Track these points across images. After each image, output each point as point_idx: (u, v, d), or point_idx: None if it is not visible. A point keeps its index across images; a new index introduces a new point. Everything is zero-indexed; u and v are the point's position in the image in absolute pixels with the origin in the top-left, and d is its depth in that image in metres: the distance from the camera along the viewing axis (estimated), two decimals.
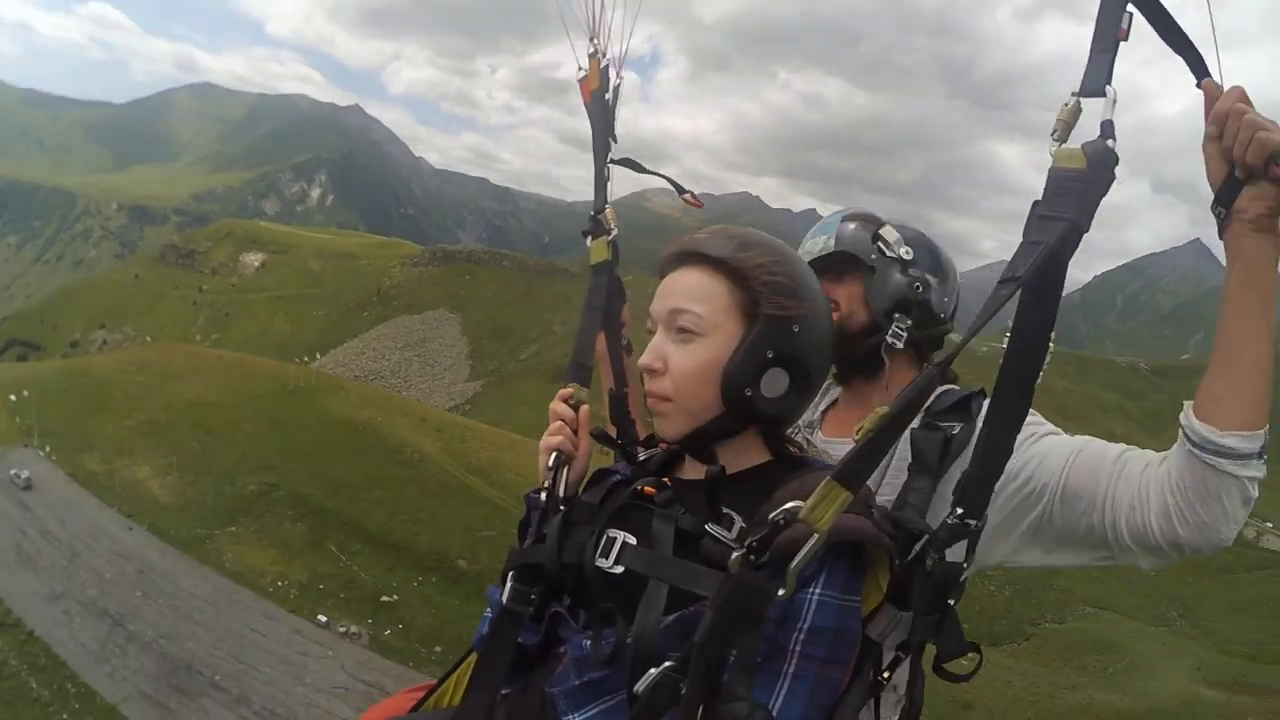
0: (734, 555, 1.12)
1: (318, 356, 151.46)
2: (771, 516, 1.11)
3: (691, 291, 1.41)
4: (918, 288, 1.89)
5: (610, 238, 1.91)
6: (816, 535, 1.09)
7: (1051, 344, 1.25)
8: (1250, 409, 1.37)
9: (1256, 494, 1.40)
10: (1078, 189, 1.19)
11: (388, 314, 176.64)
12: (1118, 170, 1.22)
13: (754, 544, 1.12)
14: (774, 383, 1.37)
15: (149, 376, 63.80)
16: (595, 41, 1.97)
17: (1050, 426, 1.67)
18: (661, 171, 2.02)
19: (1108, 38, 1.25)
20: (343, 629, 35.64)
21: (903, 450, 1.70)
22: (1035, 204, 1.22)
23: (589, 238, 1.92)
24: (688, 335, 1.40)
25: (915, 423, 1.67)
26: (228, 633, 33.81)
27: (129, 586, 36.53)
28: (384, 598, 38.10)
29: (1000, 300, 1.14)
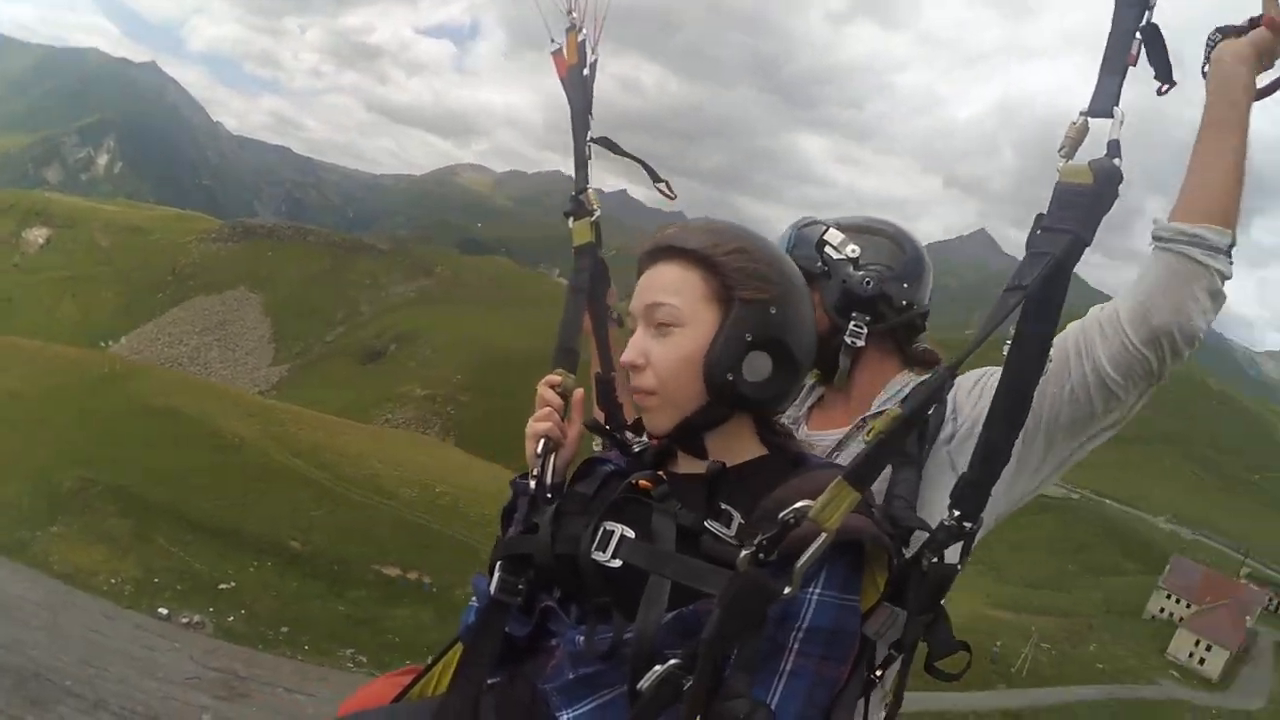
0: (743, 554, 1.11)
1: (109, 344, 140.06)
2: (781, 516, 1.10)
3: (667, 285, 1.43)
4: (867, 283, 1.88)
5: (593, 219, 1.89)
6: (824, 535, 1.09)
7: (1050, 357, 1.32)
8: (1221, 207, 1.45)
9: (1223, 291, 1.46)
10: (1083, 204, 1.23)
11: (184, 295, 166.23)
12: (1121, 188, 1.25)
13: (764, 542, 1.10)
14: (756, 366, 1.38)
15: None
16: (574, 15, 1.93)
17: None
18: (638, 157, 1.98)
19: (1117, 62, 1.32)
20: (185, 620, 35.37)
21: None
22: (1039, 216, 1.26)
23: (571, 219, 1.90)
24: (666, 328, 1.41)
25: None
26: (70, 636, 31.77)
27: None
28: (221, 585, 38.35)
29: (1007, 308, 1.18)
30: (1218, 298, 1.46)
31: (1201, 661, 67.82)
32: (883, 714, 1.51)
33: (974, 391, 1.71)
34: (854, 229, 1.94)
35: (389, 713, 1.59)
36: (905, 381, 1.90)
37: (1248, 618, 75.73)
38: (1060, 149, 1.28)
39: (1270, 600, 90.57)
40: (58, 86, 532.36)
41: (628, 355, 1.45)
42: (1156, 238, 1.48)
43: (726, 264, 1.40)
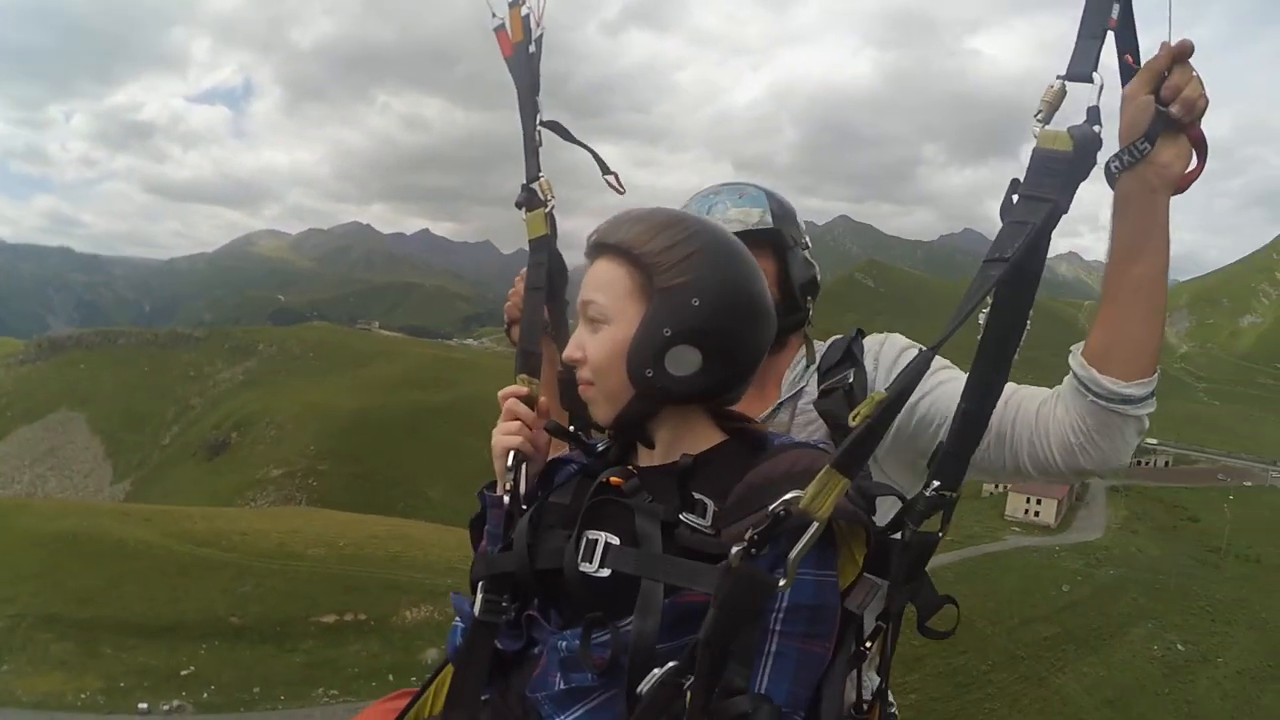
0: (734, 550, 1.10)
1: None
2: (771, 508, 1.09)
3: (596, 281, 1.43)
4: (815, 270, 1.93)
5: (548, 210, 1.82)
6: (816, 524, 1.08)
7: (1028, 324, 1.26)
8: (1149, 359, 1.48)
9: (1148, 424, 1.51)
10: (1063, 170, 1.18)
11: (4, 428, 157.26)
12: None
13: (755, 537, 1.09)
14: (681, 360, 1.35)
15: None
16: None
17: (945, 362, 1.72)
18: (588, 146, 1.89)
19: (1096, 25, 1.26)
20: (166, 707, 38.54)
21: (814, 419, 1.80)
22: (1015, 182, 1.21)
23: (524, 210, 1.83)
24: (596, 324, 1.42)
25: (813, 392, 1.82)
26: None
27: None
28: (183, 672, 41.06)
29: (990, 280, 1.13)
30: (1144, 432, 1.53)
31: (1036, 514, 76.19)
32: (876, 681, 1.53)
33: (895, 370, 1.77)
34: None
35: None
36: (810, 352, 1.96)
37: None
38: (1037, 114, 1.22)
39: None
40: None
41: (567, 350, 1.45)
42: (1086, 388, 1.50)
43: (647, 254, 1.37)
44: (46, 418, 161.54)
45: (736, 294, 1.38)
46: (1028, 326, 1.26)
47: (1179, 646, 53.52)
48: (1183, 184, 1.45)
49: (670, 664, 1.15)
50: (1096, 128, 1.22)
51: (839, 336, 1.91)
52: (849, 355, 1.81)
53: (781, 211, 1.96)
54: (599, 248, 1.46)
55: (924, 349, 1.16)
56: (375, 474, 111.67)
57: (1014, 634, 51.72)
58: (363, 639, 44.14)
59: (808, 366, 1.93)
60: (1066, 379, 1.56)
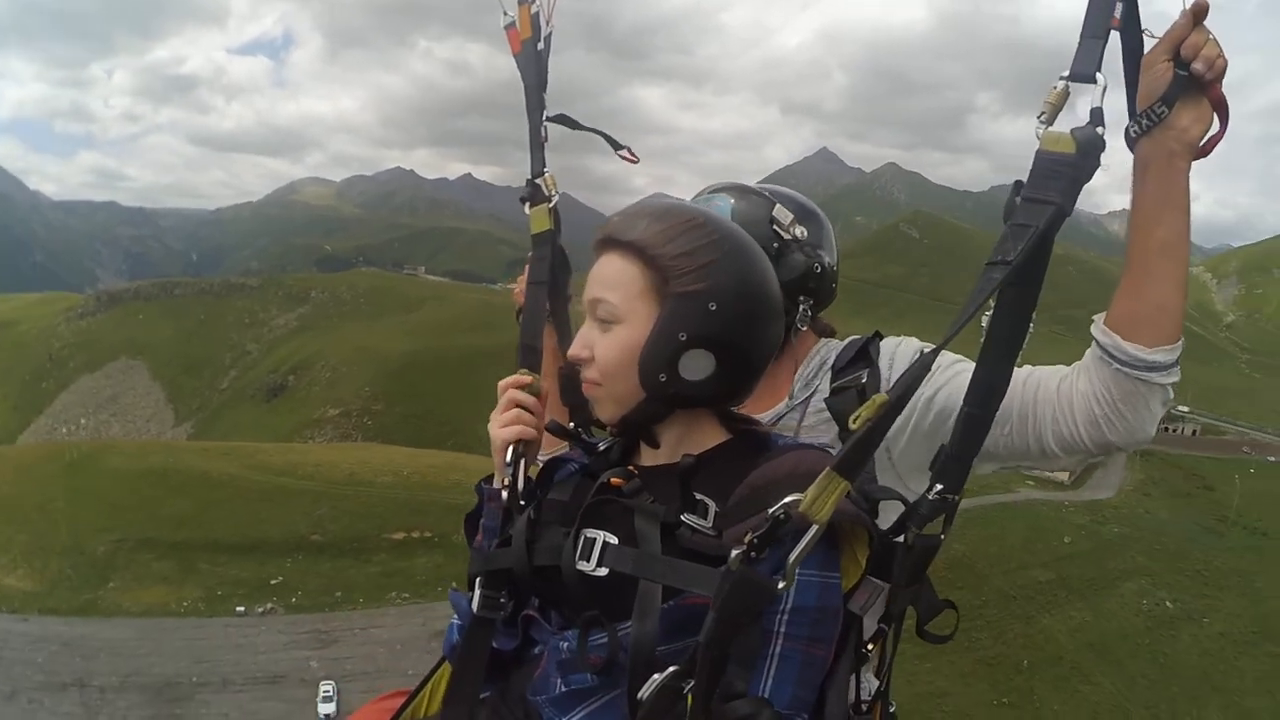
0: (734, 553, 1.08)
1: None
2: (771, 511, 1.07)
3: (607, 279, 1.39)
4: (817, 268, 1.86)
5: (551, 204, 1.80)
6: (816, 527, 1.07)
7: (1031, 326, 1.24)
8: (1173, 324, 1.45)
9: (1174, 394, 1.48)
10: (1067, 173, 1.16)
11: (68, 378, 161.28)
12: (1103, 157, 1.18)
13: (755, 540, 1.07)
14: (695, 365, 1.33)
15: None
16: None
17: (956, 356, 1.68)
18: (597, 129, 1.90)
19: (1099, 24, 1.25)
20: (260, 610, 42.97)
21: (824, 417, 1.75)
22: (1018, 184, 1.20)
23: (527, 205, 1.82)
24: (606, 324, 1.39)
25: (825, 390, 1.77)
26: (175, 647, 39.78)
27: (71, 657, 39.59)
28: (272, 581, 45.36)
29: (993, 283, 1.13)
30: (1169, 402, 1.50)
31: (1051, 470, 75.14)
32: (876, 684, 1.51)
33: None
34: (786, 204, 1.91)
35: None
36: (825, 349, 1.91)
37: None
38: (1040, 115, 1.20)
39: None
40: None
41: (574, 348, 1.43)
42: (1111, 356, 1.47)
43: (663, 256, 1.34)
44: (107, 366, 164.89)
45: (753, 299, 1.36)
46: (1030, 330, 1.24)
47: (1168, 604, 55.34)
48: (1205, 149, 1.42)
49: (671, 669, 1.13)
50: (1100, 129, 1.18)
51: (856, 337, 1.85)
52: (864, 355, 1.75)
53: (753, 216, 1.86)
54: (609, 243, 1.41)
55: (928, 352, 1.15)
56: (427, 413, 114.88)
57: (1011, 576, 54.27)
58: (429, 553, 48.79)
59: (822, 365, 1.87)
60: (1089, 350, 1.53)
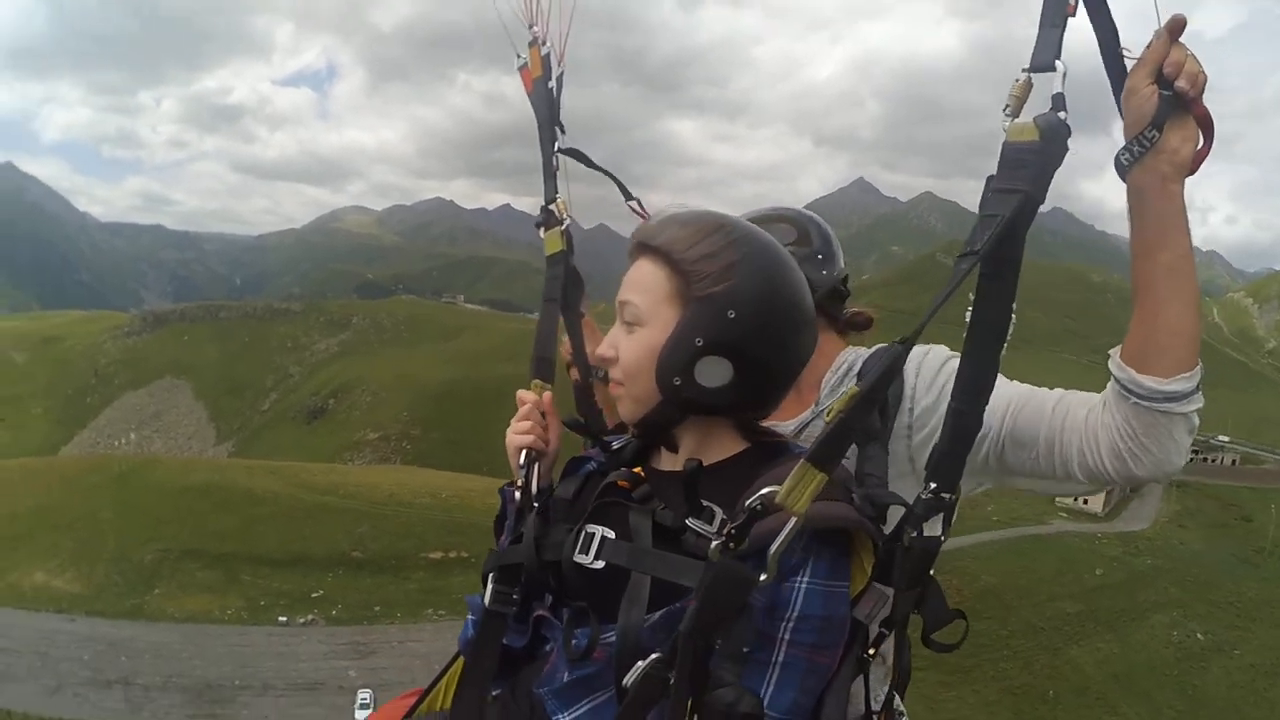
0: (713, 544, 1.11)
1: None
2: (748, 504, 1.09)
3: (635, 282, 1.42)
4: (826, 271, 1.92)
5: (563, 228, 1.87)
6: (795, 519, 1.07)
7: (1013, 316, 1.24)
8: (1188, 351, 1.40)
9: (1199, 420, 1.43)
10: (1033, 161, 1.17)
11: (112, 395, 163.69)
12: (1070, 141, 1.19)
13: (732, 531, 1.10)
14: (711, 372, 1.33)
15: None
16: (535, 29, 1.91)
17: (957, 352, 1.58)
18: (609, 171, 1.94)
19: (1056, 13, 1.24)
20: (302, 621, 43.49)
21: None
22: (989, 179, 1.20)
23: (541, 229, 1.90)
24: (631, 326, 1.41)
25: None
26: (220, 653, 39.70)
27: (117, 656, 38.69)
28: (313, 594, 46.03)
29: (961, 275, 1.14)
30: (1195, 430, 1.45)
31: (1085, 501, 73.52)
32: (885, 688, 1.51)
33: (936, 382, 1.69)
34: (759, 220, 1.77)
35: None
36: (852, 356, 1.89)
37: None
38: (1005, 108, 1.22)
39: None
40: None
41: (600, 348, 1.47)
42: (1128, 391, 1.44)
43: (685, 261, 1.36)
44: (151, 384, 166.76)
45: (775, 308, 1.35)
46: (1013, 319, 1.25)
47: (1198, 636, 54.47)
48: (1193, 166, 1.40)
49: (654, 655, 1.15)
50: (1062, 114, 1.19)
51: (883, 345, 1.77)
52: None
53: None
54: (640, 248, 1.45)
55: (898, 343, 1.17)
56: (464, 440, 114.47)
57: (1039, 608, 53.70)
58: (465, 572, 49.07)
59: (848, 371, 1.87)
60: (1109, 384, 1.49)
